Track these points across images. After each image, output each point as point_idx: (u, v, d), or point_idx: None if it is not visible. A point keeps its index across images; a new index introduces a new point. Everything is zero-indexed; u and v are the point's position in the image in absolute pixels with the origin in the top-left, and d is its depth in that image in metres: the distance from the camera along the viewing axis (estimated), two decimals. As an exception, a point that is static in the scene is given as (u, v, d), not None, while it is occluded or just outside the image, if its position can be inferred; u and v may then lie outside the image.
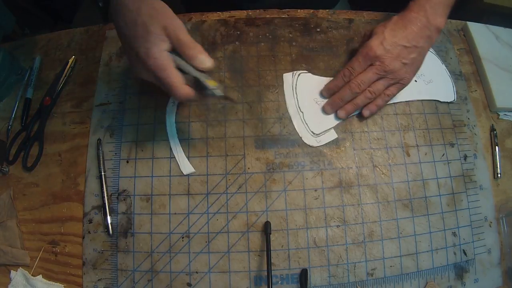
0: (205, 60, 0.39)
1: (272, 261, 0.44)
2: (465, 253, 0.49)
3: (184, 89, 0.39)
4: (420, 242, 0.48)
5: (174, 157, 0.49)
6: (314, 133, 0.51)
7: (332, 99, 0.51)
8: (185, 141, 0.50)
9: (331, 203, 0.48)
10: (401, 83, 0.50)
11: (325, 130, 0.51)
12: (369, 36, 0.50)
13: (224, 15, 0.59)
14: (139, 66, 0.40)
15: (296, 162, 0.50)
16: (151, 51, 0.38)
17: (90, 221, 0.48)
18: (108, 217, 0.47)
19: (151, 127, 0.51)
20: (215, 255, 0.46)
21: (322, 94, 0.53)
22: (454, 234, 0.49)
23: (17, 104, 0.54)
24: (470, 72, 0.58)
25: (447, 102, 0.55)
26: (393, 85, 0.50)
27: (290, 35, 0.57)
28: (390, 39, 0.48)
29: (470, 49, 0.60)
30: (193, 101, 0.50)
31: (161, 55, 0.38)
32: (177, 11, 0.42)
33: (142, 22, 0.38)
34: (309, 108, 0.52)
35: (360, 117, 0.52)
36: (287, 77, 0.54)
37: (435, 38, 0.50)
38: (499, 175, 0.52)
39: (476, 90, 0.57)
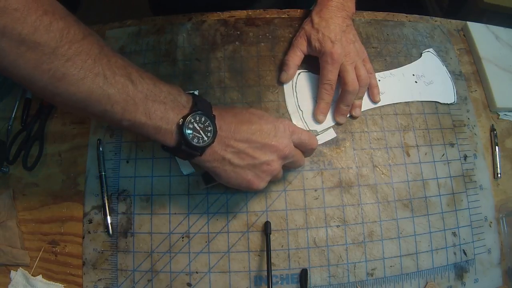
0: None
1: (272, 261, 0.44)
2: (465, 253, 0.49)
3: None
4: (420, 242, 0.48)
5: (174, 157, 0.49)
6: (313, 132, 0.51)
7: (339, 109, 0.51)
8: (185, 141, 0.50)
9: (331, 203, 0.48)
10: (365, 58, 0.52)
11: (324, 129, 0.51)
12: (308, 41, 0.52)
13: (224, 15, 0.59)
14: None
15: (296, 162, 0.50)
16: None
17: (90, 221, 0.48)
18: (108, 217, 0.47)
19: (151, 127, 0.51)
20: (215, 255, 0.46)
21: (317, 121, 0.51)
22: (454, 234, 0.49)
23: (17, 104, 0.54)
24: (470, 72, 0.58)
25: (447, 103, 0.55)
26: (365, 62, 0.52)
27: (290, 35, 0.57)
28: (333, 32, 0.49)
29: (470, 49, 0.60)
30: None
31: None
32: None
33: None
34: (309, 106, 0.52)
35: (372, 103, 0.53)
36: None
37: (351, 12, 0.52)
38: (499, 175, 0.52)
39: (476, 90, 0.57)
